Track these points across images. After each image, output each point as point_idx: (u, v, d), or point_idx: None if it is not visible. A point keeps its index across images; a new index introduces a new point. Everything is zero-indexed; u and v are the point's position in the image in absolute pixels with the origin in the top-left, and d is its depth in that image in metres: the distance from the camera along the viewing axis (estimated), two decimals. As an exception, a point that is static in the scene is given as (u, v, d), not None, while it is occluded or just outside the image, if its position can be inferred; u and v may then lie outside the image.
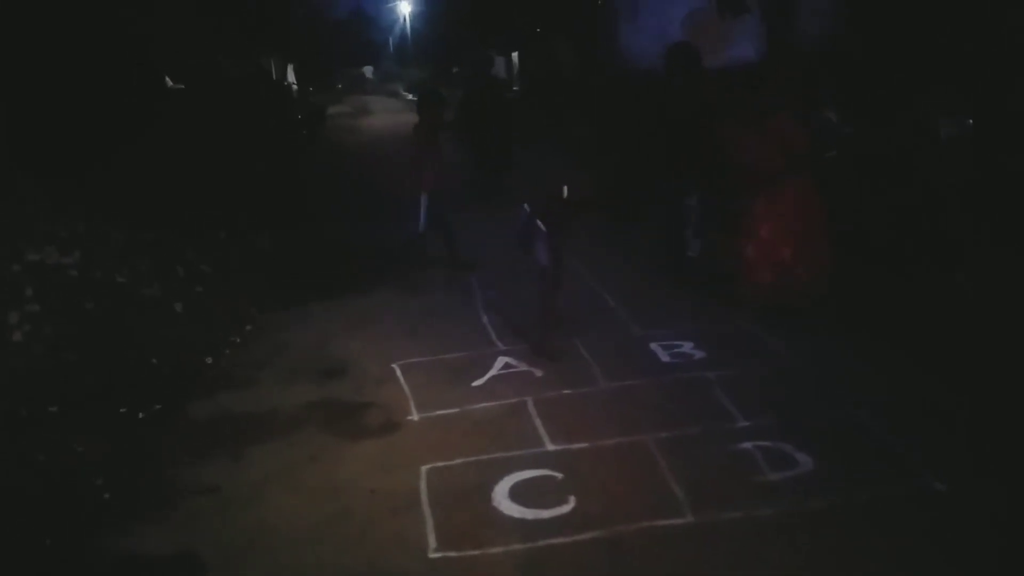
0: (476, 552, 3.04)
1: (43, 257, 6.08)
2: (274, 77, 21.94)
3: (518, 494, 3.40)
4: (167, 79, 14.83)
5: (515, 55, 27.38)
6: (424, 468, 3.67)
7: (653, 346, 4.93)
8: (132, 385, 4.82)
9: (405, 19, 47.56)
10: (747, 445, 3.64)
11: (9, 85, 7.75)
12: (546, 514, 3.24)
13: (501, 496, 3.39)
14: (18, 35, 8.05)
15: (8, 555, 3.22)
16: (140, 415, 4.51)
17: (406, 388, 4.62)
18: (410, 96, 41.60)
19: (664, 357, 4.77)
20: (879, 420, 3.80)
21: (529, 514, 3.26)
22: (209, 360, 5.23)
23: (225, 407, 4.51)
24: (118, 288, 5.98)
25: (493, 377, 4.70)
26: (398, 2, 47.70)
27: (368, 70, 51.75)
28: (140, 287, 6.12)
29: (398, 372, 4.86)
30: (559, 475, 3.52)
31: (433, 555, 3.05)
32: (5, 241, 6.07)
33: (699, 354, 4.77)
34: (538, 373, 4.68)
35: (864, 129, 6.53)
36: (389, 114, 29.07)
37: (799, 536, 3.01)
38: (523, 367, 4.79)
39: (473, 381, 4.64)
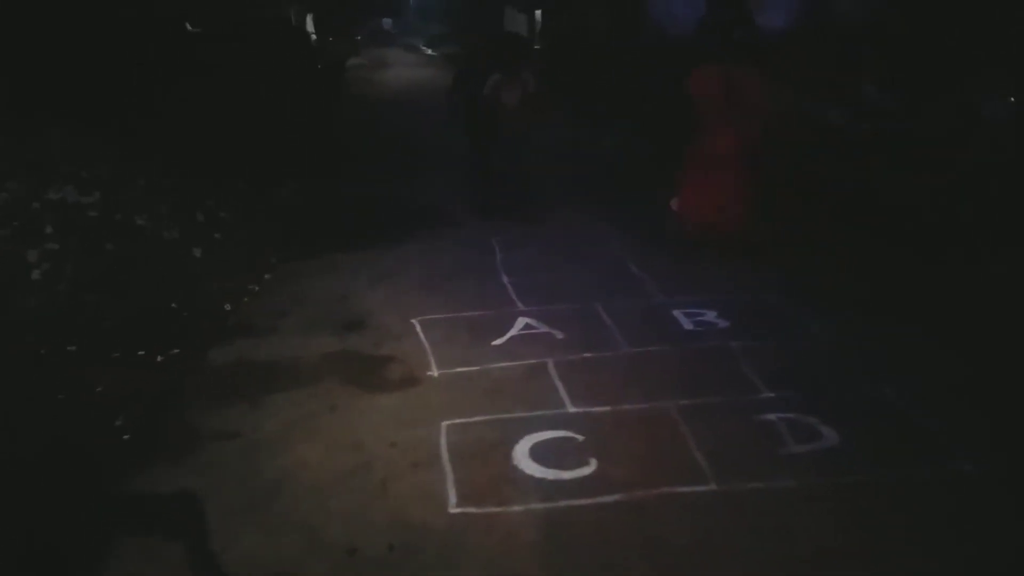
0: (497, 509, 3.04)
1: (63, 196, 6.05)
2: (294, 24, 21.60)
3: (538, 454, 3.39)
4: (187, 24, 14.62)
5: (538, 13, 26.88)
6: (444, 424, 3.66)
7: (676, 313, 4.88)
8: (151, 328, 4.82)
9: (429, -30, 46.71)
10: (771, 416, 3.61)
11: (36, 27, 7.65)
12: (567, 475, 3.23)
13: (521, 455, 3.38)
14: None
15: (25, 492, 3.23)
16: (159, 358, 4.52)
17: (426, 344, 4.59)
18: (429, 51, 41.06)
19: (687, 325, 4.72)
20: (907, 399, 3.75)
21: (550, 474, 3.24)
22: (228, 307, 5.22)
23: (245, 354, 4.50)
24: (138, 230, 5.97)
25: (513, 337, 4.67)
26: (421, -47, 46.78)
27: (387, 22, 50.98)
28: (160, 231, 6.10)
29: (418, 328, 4.83)
30: (580, 437, 3.50)
31: (454, 510, 3.05)
32: (26, 179, 6.04)
33: (723, 323, 4.72)
34: (559, 335, 4.65)
35: (906, 105, 6.37)
36: (408, 68, 28.78)
37: (823, 510, 2.99)
38: (544, 328, 4.76)
39: (493, 340, 4.62)
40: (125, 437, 3.69)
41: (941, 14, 7.21)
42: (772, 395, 3.82)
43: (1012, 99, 5.55)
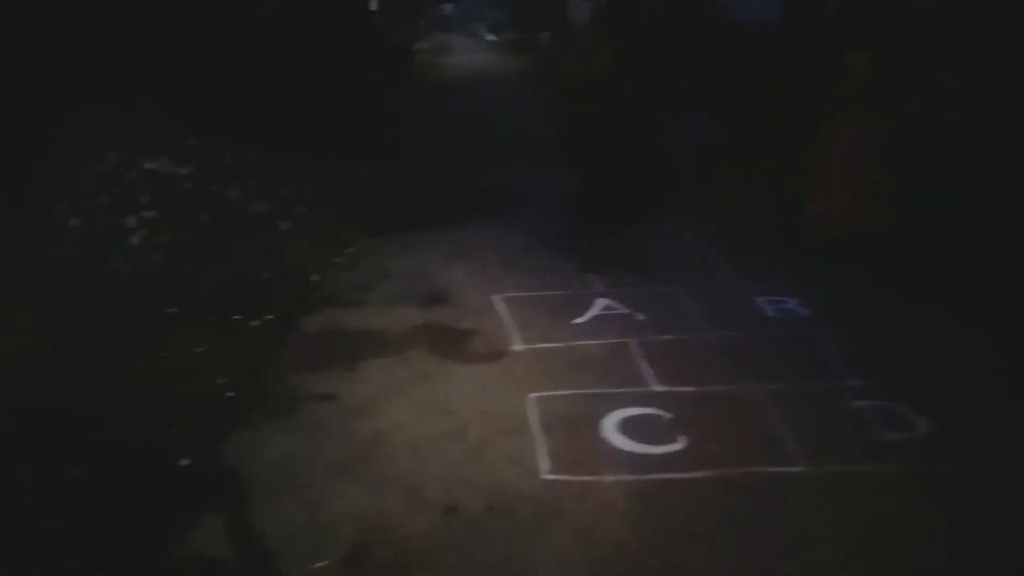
0: (589, 478, 3.12)
1: (158, 167, 6.32)
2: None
3: (627, 429, 3.46)
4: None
5: None
6: (532, 396, 3.75)
7: (758, 299, 4.88)
8: (245, 295, 5.02)
9: (490, -43, 46.67)
10: (861, 403, 3.61)
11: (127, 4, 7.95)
12: (657, 450, 3.29)
13: (610, 429, 3.46)
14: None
15: (136, 445, 3.42)
16: (253, 323, 4.71)
17: (507, 319, 4.69)
18: (491, 36, 41.08)
19: (769, 311, 4.72)
20: (997, 388, 3.71)
21: (639, 448, 3.31)
22: (316, 278, 5.40)
23: (336, 323, 4.67)
24: (228, 203, 6.20)
25: (594, 317, 4.74)
26: (484, -61, 46.75)
27: (449, 8, 51.15)
28: (248, 204, 6.32)
29: (498, 304, 4.93)
30: (667, 415, 3.56)
31: (547, 476, 3.14)
32: (122, 149, 6.32)
33: (804, 311, 4.71)
34: (639, 316, 4.70)
35: (988, 96, 6.21)
36: (470, 53, 28.85)
37: (916, 496, 2.99)
38: (624, 310, 4.81)
39: (574, 319, 4.69)
40: (228, 395, 3.88)
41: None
42: (860, 383, 3.82)
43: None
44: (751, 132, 7.44)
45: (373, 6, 30.33)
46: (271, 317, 4.76)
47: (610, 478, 3.12)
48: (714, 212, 6.79)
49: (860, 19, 5.49)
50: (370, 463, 3.25)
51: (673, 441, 3.35)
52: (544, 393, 3.78)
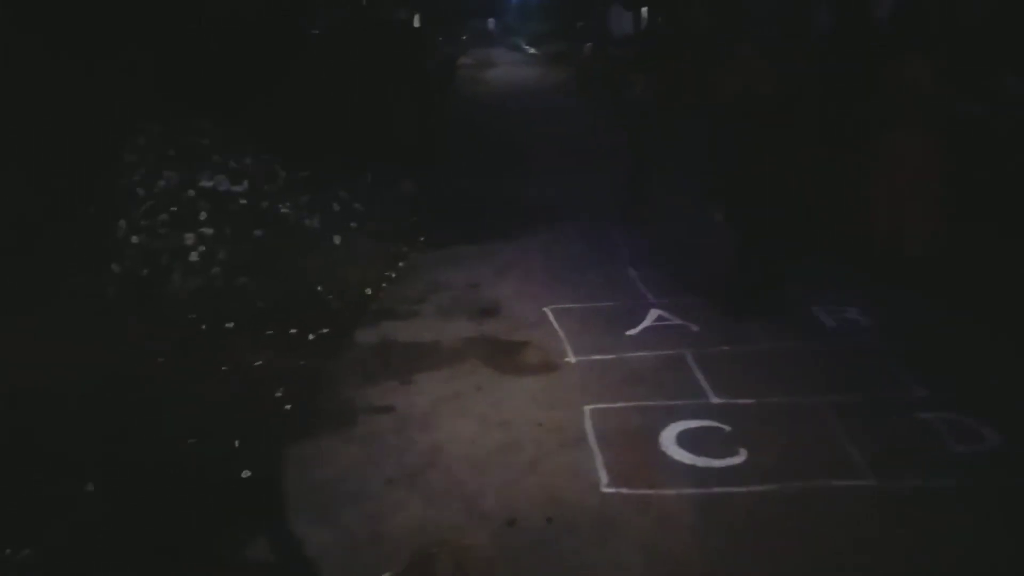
0: (649, 491, 3.09)
1: (215, 184, 6.47)
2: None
3: (685, 441, 3.41)
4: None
5: (644, 10, 26.64)
6: (587, 408, 3.74)
7: (816, 310, 4.79)
8: (300, 309, 5.11)
9: (529, -29, 46.99)
10: (927, 415, 3.51)
11: (179, 23, 8.18)
12: (717, 463, 3.25)
13: (668, 441, 3.42)
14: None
15: (198, 458, 3.49)
16: (310, 337, 4.78)
17: (560, 332, 4.69)
18: (532, 50, 41.29)
19: (829, 322, 4.63)
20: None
21: (700, 461, 3.27)
22: (369, 291, 5.47)
23: (390, 336, 4.72)
24: (282, 218, 6.32)
25: (647, 328, 4.70)
26: (523, -46, 47.12)
27: (491, 22, 51.61)
28: (301, 219, 6.44)
29: (551, 316, 4.93)
30: (727, 427, 3.51)
31: (606, 490, 3.12)
32: (181, 167, 6.49)
33: (865, 320, 4.61)
34: (694, 328, 4.65)
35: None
36: (512, 66, 29.09)
37: (986, 510, 2.89)
38: (677, 321, 4.77)
39: (627, 331, 4.66)
40: (287, 407, 3.94)
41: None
42: (925, 393, 3.72)
43: None
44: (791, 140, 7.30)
45: (417, 23, 30.77)
46: (326, 331, 4.83)
47: (670, 491, 3.08)
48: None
49: (914, 24, 5.29)
50: (429, 475, 3.26)
51: (734, 454, 3.30)
52: (600, 405, 3.76)
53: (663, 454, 3.34)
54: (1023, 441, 3.30)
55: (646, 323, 4.77)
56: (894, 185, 5.33)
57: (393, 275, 5.86)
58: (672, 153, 7.89)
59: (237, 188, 6.47)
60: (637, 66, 7.15)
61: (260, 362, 4.45)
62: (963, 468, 3.14)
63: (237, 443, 3.62)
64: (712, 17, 19.22)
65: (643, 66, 7.03)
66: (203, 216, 6.09)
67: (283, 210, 6.38)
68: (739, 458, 3.27)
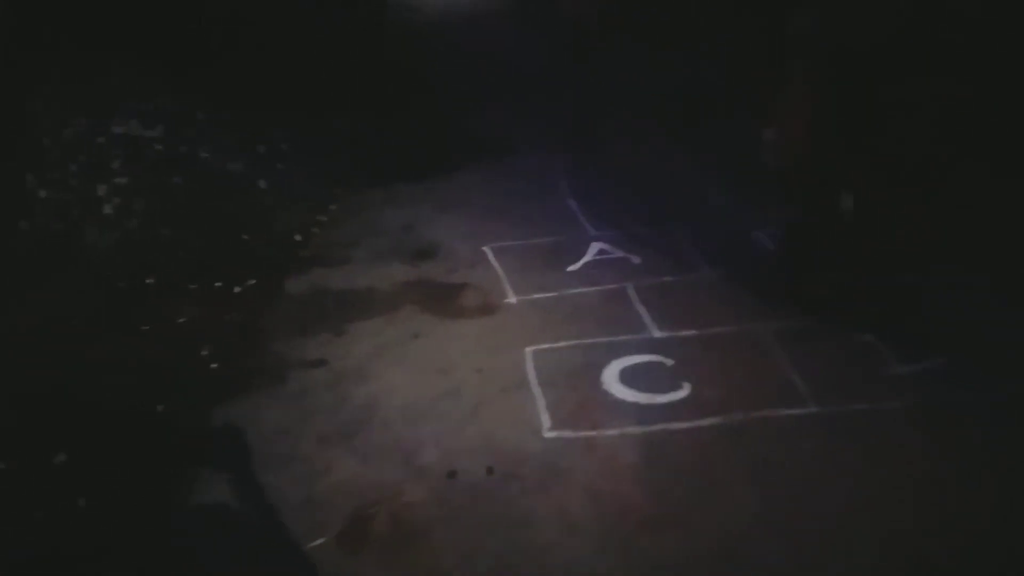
0: (592, 432, 3.01)
1: (128, 130, 6.05)
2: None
3: (628, 378, 3.33)
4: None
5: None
6: (528, 350, 3.62)
7: (757, 234, 4.72)
8: (225, 260, 4.83)
9: None
10: (870, 336, 3.48)
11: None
12: (661, 399, 3.18)
13: (611, 379, 3.33)
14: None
15: (121, 423, 3.29)
16: (236, 290, 4.54)
17: (500, 271, 4.53)
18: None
19: (770, 246, 4.56)
20: (1010, 322, 3.58)
21: (643, 398, 3.19)
22: (298, 238, 5.21)
23: (322, 284, 4.50)
24: (202, 163, 5.95)
25: (588, 263, 4.57)
26: None
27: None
28: (224, 163, 6.08)
29: (490, 255, 4.76)
30: (669, 361, 3.44)
31: (549, 434, 3.03)
32: (91, 113, 6.04)
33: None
34: (636, 260, 4.54)
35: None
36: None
37: (931, 429, 2.89)
38: (619, 253, 4.65)
39: (568, 266, 4.53)
40: (213, 366, 3.74)
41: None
42: (870, 314, 3.68)
43: None
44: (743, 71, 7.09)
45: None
46: (254, 282, 4.59)
47: (614, 432, 3.01)
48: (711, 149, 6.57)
49: None
50: (365, 431, 3.13)
51: (678, 388, 3.23)
52: (541, 346, 3.65)
53: (606, 393, 3.25)
54: (963, 360, 3.29)
55: (587, 257, 4.64)
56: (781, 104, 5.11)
57: (325, 219, 5.58)
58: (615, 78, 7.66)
59: (152, 133, 6.06)
60: None
61: (183, 319, 4.21)
62: (906, 389, 3.13)
63: (160, 408, 3.42)
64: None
65: None
66: (116, 165, 5.71)
67: (203, 154, 6.00)
68: (682, 392, 3.21)
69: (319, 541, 2.56)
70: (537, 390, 3.30)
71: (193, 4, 8.58)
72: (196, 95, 6.96)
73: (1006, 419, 2.92)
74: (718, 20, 8.72)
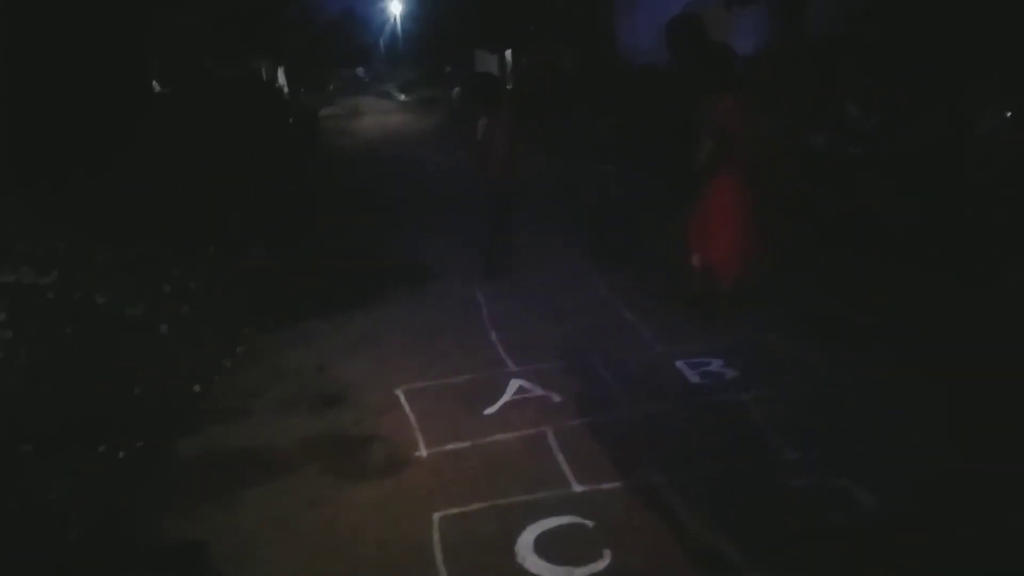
0: (502, 622, 2.66)
1: (18, 278, 5.68)
2: (264, 79, 21.49)
3: (544, 547, 3.01)
4: (154, 83, 14.39)
5: (508, 53, 26.98)
6: (436, 516, 3.28)
7: (679, 364, 4.54)
8: (112, 419, 4.41)
9: (395, 19, 47.12)
10: (799, 482, 3.25)
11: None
12: (578, 572, 2.85)
13: (526, 550, 3.00)
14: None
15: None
16: (121, 454, 4.11)
17: (412, 418, 4.23)
18: (402, 96, 41.18)
19: (692, 377, 4.38)
20: (938, 448, 3.41)
21: (560, 572, 2.86)
22: (198, 388, 4.83)
23: (215, 444, 4.12)
24: (98, 310, 5.58)
25: (507, 403, 4.31)
26: (389, 2, 47.23)
27: (360, 71, 51.36)
28: (123, 308, 5.72)
29: (403, 399, 4.47)
30: (589, 523, 3.13)
31: (453, 627, 2.66)
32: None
33: (730, 373, 4.38)
34: (556, 398, 4.30)
35: (893, 124, 6.15)
36: (382, 115, 28.80)
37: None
38: (539, 391, 4.41)
39: (485, 408, 4.26)
40: (80, 555, 3.28)
41: (922, 26, 7.05)
42: (795, 456, 3.47)
43: (1008, 113, 5.33)
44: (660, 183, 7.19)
45: (281, 77, 29.94)
46: (141, 444, 4.17)
47: (526, 619, 2.66)
48: (626, 268, 6.52)
49: (721, 61, 5.08)
50: (241, 634, 2.71)
51: (598, 558, 2.91)
52: (451, 511, 3.31)
53: (520, 568, 2.91)
54: (896, 501, 3.08)
55: (506, 397, 4.37)
56: (704, 223, 5.12)
57: (229, 364, 5.23)
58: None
59: (44, 279, 5.70)
60: (478, 109, 6.81)
61: (55, 495, 3.75)
62: (841, 541, 2.88)
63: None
64: (575, 57, 19.62)
65: (484, 108, 6.71)
66: (2, 317, 5.30)
67: (99, 299, 5.64)
68: (603, 562, 2.89)
69: None
70: (443, 568, 2.94)
71: (96, 131, 8.39)
72: (100, 234, 6.67)
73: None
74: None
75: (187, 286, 6.36)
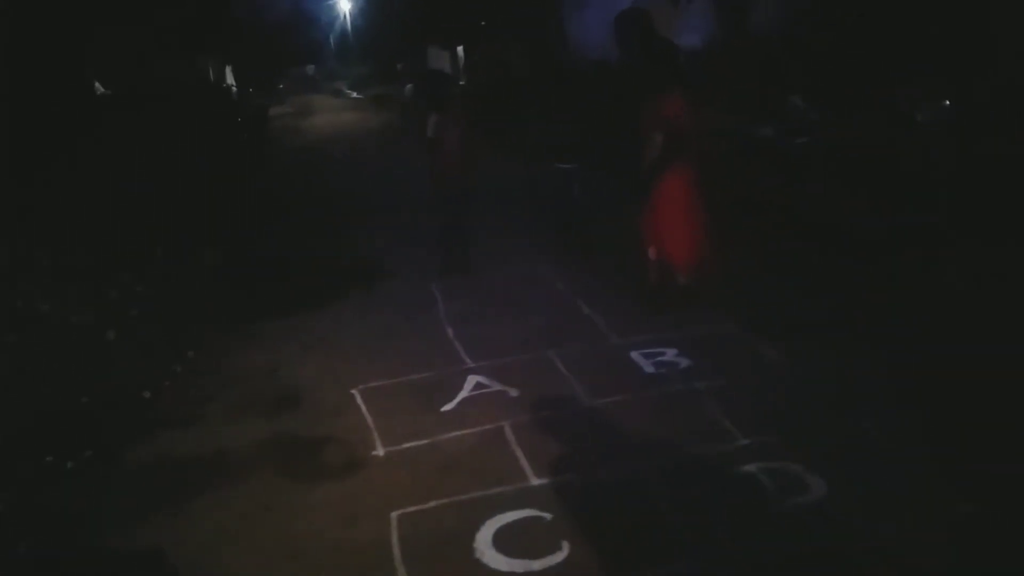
0: (462, 618, 2.66)
1: (-43, 287, 5.49)
2: (212, 79, 21.07)
3: (503, 541, 3.01)
4: (96, 84, 14.02)
5: (460, 49, 26.91)
6: (394, 515, 3.26)
7: (634, 355, 4.59)
8: (59, 429, 4.29)
9: (345, 16, 46.59)
10: (751, 467, 3.31)
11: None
12: (537, 565, 2.86)
13: (484, 545, 3.00)
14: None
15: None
16: (68, 465, 4.00)
17: (368, 417, 4.20)
18: (354, 94, 40.78)
19: (647, 367, 4.43)
20: (890, 436, 3.51)
21: (518, 566, 2.87)
22: (147, 395, 4.72)
23: (166, 451, 4.03)
24: (42, 318, 5.42)
25: (464, 400, 4.31)
26: (338, -1, 46.68)
27: (310, 69, 50.70)
28: (68, 315, 5.56)
29: (359, 398, 4.44)
30: (547, 515, 3.15)
31: (412, 625, 2.65)
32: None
33: (684, 362, 4.44)
34: (513, 392, 4.31)
35: (835, 115, 6.29)
36: (333, 113, 28.50)
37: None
38: (496, 386, 4.41)
39: (442, 405, 4.25)
40: (26, 566, 3.19)
41: (861, 21, 7.23)
42: (748, 442, 3.53)
43: (947, 102, 5.50)
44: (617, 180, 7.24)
45: (229, 77, 29.38)
46: (90, 453, 4.07)
47: (486, 613, 2.66)
48: (584, 264, 6.55)
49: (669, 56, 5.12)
50: (196, 642, 2.67)
51: (556, 550, 2.93)
52: (409, 509, 3.30)
53: (478, 563, 2.91)
54: (846, 487, 3.15)
55: (463, 394, 4.37)
56: (658, 217, 5.14)
57: (180, 369, 5.13)
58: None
59: (-16, 288, 5.51)
60: (429, 105, 6.77)
61: (1, 508, 3.64)
62: (792, 526, 2.94)
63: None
64: (524, 54, 19.65)
65: (435, 104, 6.66)
66: (-62, 328, 5.11)
67: (43, 307, 5.47)
68: (561, 554, 2.90)
69: None
70: (401, 568, 2.93)
71: (37, 135, 8.16)
72: (43, 242, 6.48)
73: (891, 554, 2.76)
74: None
75: (135, 291, 6.21)
